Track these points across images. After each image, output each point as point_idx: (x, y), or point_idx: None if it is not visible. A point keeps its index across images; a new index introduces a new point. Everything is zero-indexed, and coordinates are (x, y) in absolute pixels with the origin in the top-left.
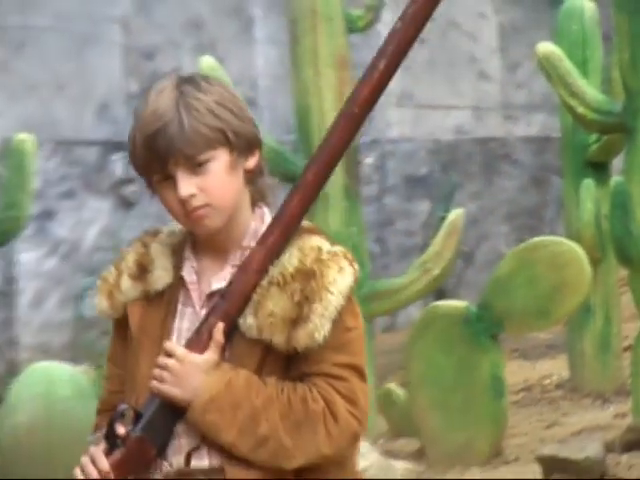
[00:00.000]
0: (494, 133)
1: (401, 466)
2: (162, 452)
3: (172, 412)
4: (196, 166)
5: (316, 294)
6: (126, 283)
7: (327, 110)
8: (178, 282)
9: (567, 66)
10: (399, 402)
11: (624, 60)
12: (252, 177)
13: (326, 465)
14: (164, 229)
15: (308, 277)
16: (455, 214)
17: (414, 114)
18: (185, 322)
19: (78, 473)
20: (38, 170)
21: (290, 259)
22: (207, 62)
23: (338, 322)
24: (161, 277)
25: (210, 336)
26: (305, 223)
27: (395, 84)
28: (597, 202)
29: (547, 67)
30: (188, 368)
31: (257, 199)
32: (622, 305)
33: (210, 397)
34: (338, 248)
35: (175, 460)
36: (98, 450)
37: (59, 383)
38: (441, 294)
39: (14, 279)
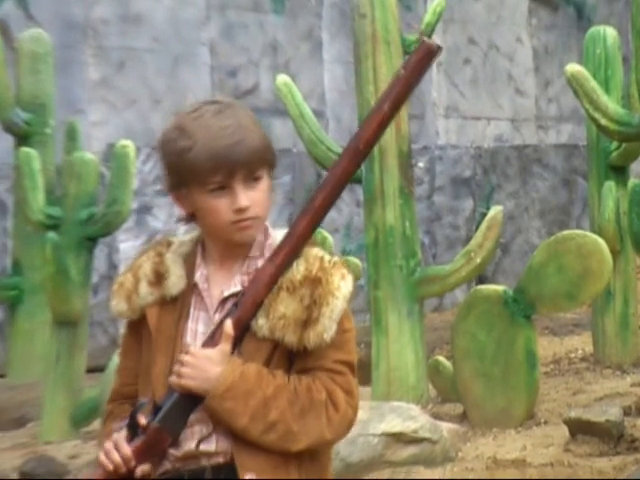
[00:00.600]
0: (528, 141)
1: (447, 427)
2: (176, 440)
3: (187, 405)
4: (252, 181)
5: (323, 299)
6: (144, 289)
7: None
8: (191, 288)
9: (592, 84)
10: (446, 372)
11: None
12: None
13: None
14: (174, 240)
15: (315, 284)
16: (494, 210)
17: (459, 124)
18: (200, 325)
19: (102, 457)
20: (137, 171)
21: (298, 267)
22: (282, 79)
23: (339, 324)
24: (176, 284)
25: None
26: None
27: (443, 98)
28: (617, 201)
29: (575, 85)
30: (203, 362)
31: None
32: (638, 289)
33: (226, 387)
34: (336, 258)
35: (186, 446)
36: (121, 437)
37: None
38: (482, 279)
39: (116, 265)
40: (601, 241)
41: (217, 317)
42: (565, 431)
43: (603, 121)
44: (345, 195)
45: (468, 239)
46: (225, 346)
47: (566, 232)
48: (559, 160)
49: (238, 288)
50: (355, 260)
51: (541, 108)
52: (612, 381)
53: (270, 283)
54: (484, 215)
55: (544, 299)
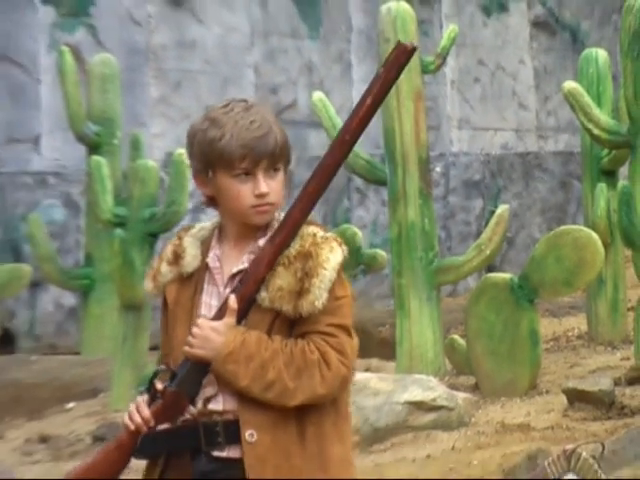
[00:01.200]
0: (530, 149)
1: (461, 396)
2: (193, 402)
3: (200, 371)
4: (272, 171)
5: (314, 270)
6: (164, 268)
7: (406, 131)
8: (204, 266)
9: (586, 99)
10: (460, 349)
11: (628, 94)
12: None
13: (322, 404)
14: (196, 225)
15: (306, 258)
16: (501, 209)
17: (470, 134)
18: (214, 299)
19: (126, 419)
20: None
21: (293, 245)
22: (317, 96)
23: (331, 292)
24: (190, 262)
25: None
26: None
27: (456, 112)
28: (608, 200)
29: (571, 100)
30: (208, 332)
31: None
32: (627, 277)
33: (228, 352)
34: (330, 234)
35: (198, 405)
36: (142, 401)
37: None
38: (491, 269)
39: None
40: (594, 235)
41: (226, 292)
42: (563, 399)
43: (596, 131)
44: (372, 196)
45: (478, 234)
46: (229, 318)
47: (563, 227)
48: (557, 165)
49: (245, 265)
50: (381, 252)
51: (541, 120)
52: (604, 356)
53: (270, 262)
54: (492, 213)
55: (545, 285)
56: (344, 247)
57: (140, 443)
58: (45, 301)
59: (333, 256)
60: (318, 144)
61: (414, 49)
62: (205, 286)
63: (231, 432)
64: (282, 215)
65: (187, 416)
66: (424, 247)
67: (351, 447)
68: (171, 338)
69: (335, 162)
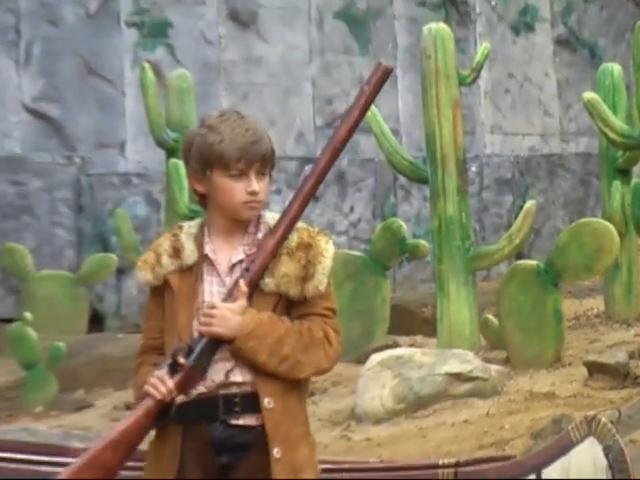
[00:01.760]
0: (554, 150)
1: (494, 368)
2: (205, 374)
3: (213, 347)
4: (261, 174)
5: (316, 259)
6: (166, 261)
7: (445, 136)
8: (202, 258)
9: (603, 107)
10: (493, 326)
11: (639, 102)
12: None
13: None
14: (185, 224)
15: (307, 248)
16: (529, 204)
17: (502, 139)
18: (214, 286)
19: (151, 390)
20: None
21: (291, 237)
22: None
23: (328, 278)
24: (190, 256)
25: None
26: None
27: (489, 119)
28: (622, 196)
29: (590, 107)
30: (227, 313)
31: None
32: (639, 262)
33: (249, 330)
34: (316, 227)
35: (216, 377)
36: (164, 374)
37: None
38: (520, 256)
39: None
40: (611, 226)
41: (228, 279)
42: (584, 371)
43: (611, 135)
44: (415, 192)
45: (509, 225)
46: (242, 301)
47: (584, 219)
48: (578, 165)
49: (242, 256)
50: (423, 242)
51: (564, 125)
52: (619, 332)
53: (273, 252)
54: (521, 207)
55: (567, 270)
56: (331, 238)
57: (176, 411)
58: (129, 286)
59: (330, 246)
60: (368, 147)
61: (392, 69)
62: (205, 275)
63: (247, 402)
64: (266, 213)
65: (202, 389)
66: (461, 237)
67: None
68: (175, 321)
69: (327, 166)
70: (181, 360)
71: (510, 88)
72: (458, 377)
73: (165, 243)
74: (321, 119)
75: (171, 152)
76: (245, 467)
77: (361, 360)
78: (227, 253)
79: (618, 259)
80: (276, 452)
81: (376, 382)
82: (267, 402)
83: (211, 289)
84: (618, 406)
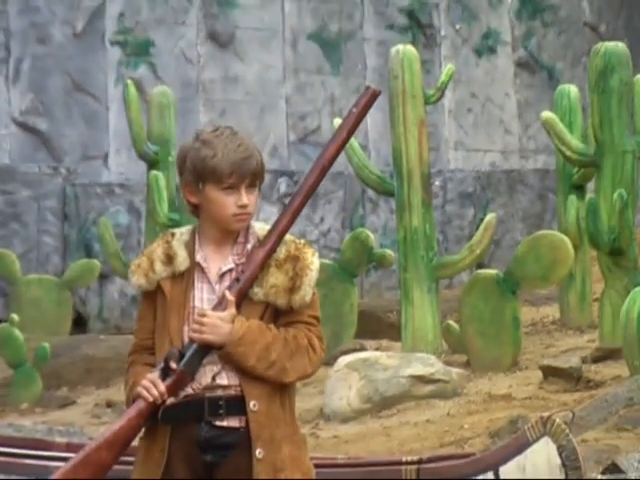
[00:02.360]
0: (514, 167)
1: (455, 371)
2: (194, 378)
3: (202, 352)
4: (251, 187)
5: (303, 271)
6: (159, 267)
7: (411, 152)
8: (194, 265)
9: (560, 126)
10: (455, 332)
11: (594, 123)
12: None
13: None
14: (176, 231)
15: (295, 260)
16: (490, 216)
17: (464, 155)
18: (205, 293)
19: (144, 393)
20: None
21: (279, 250)
22: (338, 122)
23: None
24: (182, 262)
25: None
26: None
27: (453, 136)
28: (578, 210)
29: (548, 127)
30: (217, 321)
31: None
32: (593, 273)
33: (239, 336)
34: (302, 240)
35: (203, 381)
36: (156, 377)
37: None
38: (481, 266)
39: None
40: (566, 238)
41: (218, 286)
42: (540, 374)
43: (568, 153)
44: (382, 204)
45: (471, 237)
46: (232, 309)
47: (541, 232)
48: (536, 181)
49: (232, 265)
50: (390, 252)
51: (523, 143)
52: (573, 338)
53: (262, 263)
54: (482, 220)
55: (525, 280)
56: (317, 252)
57: (163, 412)
58: (112, 290)
59: (315, 259)
60: (338, 162)
61: (379, 92)
62: (196, 282)
63: (231, 405)
64: (253, 223)
65: (189, 390)
66: (425, 248)
67: None
68: (166, 326)
69: (316, 183)
70: (173, 365)
71: (473, 107)
72: (421, 379)
73: (158, 250)
74: (294, 135)
75: (152, 164)
76: (229, 466)
77: (330, 362)
78: (217, 262)
79: (573, 270)
80: (258, 452)
81: (344, 383)
82: (252, 405)
83: (201, 296)
84: (571, 408)
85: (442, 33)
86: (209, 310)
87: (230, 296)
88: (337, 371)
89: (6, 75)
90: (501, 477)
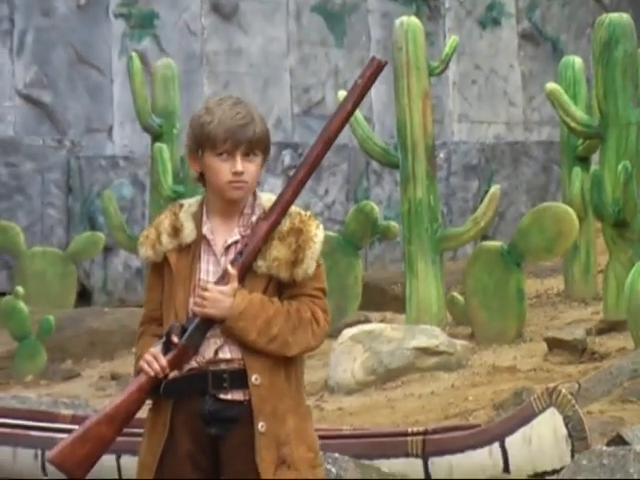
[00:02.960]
0: (518, 139)
1: (460, 343)
2: (197, 352)
3: (205, 326)
4: (250, 156)
5: (306, 244)
6: (165, 239)
7: (415, 124)
8: (200, 238)
9: (565, 98)
10: (459, 304)
11: (599, 94)
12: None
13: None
14: (185, 202)
15: (298, 233)
16: (494, 189)
17: (468, 127)
18: (210, 265)
19: (145, 366)
20: None
21: (284, 222)
22: (342, 94)
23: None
24: (188, 235)
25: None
26: None
27: (457, 108)
28: (582, 182)
29: (552, 98)
30: (219, 295)
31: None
32: (597, 245)
33: (240, 311)
34: (308, 212)
35: (206, 354)
36: (158, 351)
37: None
38: (485, 238)
39: None
40: (570, 210)
41: (223, 260)
42: (544, 346)
43: (572, 124)
44: (386, 176)
45: (475, 209)
46: (233, 283)
47: (545, 204)
48: (540, 153)
49: (237, 237)
50: (394, 224)
51: (527, 115)
52: (578, 310)
53: (265, 236)
54: (486, 192)
55: (529, 252)
56: (321, 224)
57: (164, 387)
58: (116, 263)
59: (319, 232)
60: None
61: (385, 64)
62: (202, 254)
63: (235, 379)
64: (260, 194)
65: (193, 364)
66: (430, 220)
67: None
68: (172, 298)
69: (320, 155)
70: (175, 339)
71: (477, 79)
72: (425, 351)
73: (165, 221)
74: (298, 107)
75: (156, 137)
76: (233, 439)
77: (334, 335)
78: (223, 233)
79: (577, 241)
80: (261, 426)
81: (348, 355)
82: (254, 378)
83: (207, 268)
84: (575, 380)
85: (446, 5)
86: (211, 284)
87: (232, 270)
88: (341, 343)
89: (10, 48)
90: (507, 448)
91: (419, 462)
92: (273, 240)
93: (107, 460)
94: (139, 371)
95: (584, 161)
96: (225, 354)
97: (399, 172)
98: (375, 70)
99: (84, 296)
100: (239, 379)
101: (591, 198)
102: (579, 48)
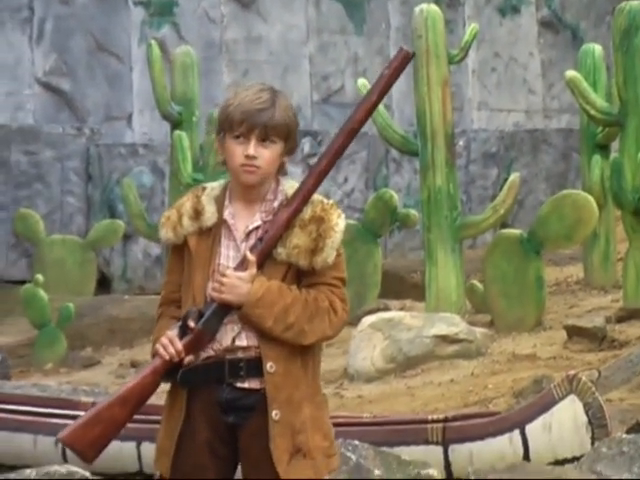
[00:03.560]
0: (538, 126)
1: (479, 331)
2: (214, 338)
3: (223, 312)
4: (264, 141)
5: (326, 233)
6: (186, 222)
7: (435, 112)
8: (221, 222)
9: (584, 85)
10: (479, 292)
11: (619, 82)
12: (283, 163)
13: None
14: (208, 185)
15: (319, 221)
16: (513, 176)
17: (488, 115)
18: (230, 251)
19: (161, 350)
20: None
21: (305, 210)
22: (361, 82)
23: (337, 250)
24: (209, 218)
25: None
26: None
27: (476, 96)
28: (602, 169)
29: (572, 86)
30: (237, 281)
31: (279, 171)
32: (617, 233)
33: (257, 298)
34: (331, 201)
35: (223, 341)
36: (174, 335)
37: None
38: (504, 226)
39: None
40: (590, 198)
41: (243, 245)
42: (564, 334)
43: (592, 112)
44: (406, 164)
45: (494, 197)
46: (252, 269)
47: (565, 192)
48: (559, 140)
49: (259, 223)
50: (414, 212)
51: (547, 103)
52: (597, 298)
53: (286, 224)
54: (506, 180)
55: (549, 239)
56: (343, 213)
57: (181, 375)
58: (135, 251)
59: (341, 221)
60: None
61: (413, 55)
62: (222, 239)
63: (251, 367)
64: (284, 182)
65: (210, 352)
66: (449, 208)
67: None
68: (191, 281)
69: (344, 145)
70: (191, 324)
71: (496, 67)
72: (445, 339)
73: (187, 204)
74: (317, 95)
75: (175, 124)
76: (250, 427)
77: (353, 322)
78: (245, 219)
79: (597, 229)
80: (275, 414)
81: (368, 343)
82: (269, 366)
83: (227, 253)
84: (595, 367)
85: None
86: (230, 270)
87: (251, 256)
88: (361, 331)
89: (30, 35)
90: (527, 435)
91: (439, 449)
92: (294, 228)
93: (127, 447)
94: (154, 354)
95: (604, 149)
96: (242, 341)
97: (418, 160)
98: (402, 61)
99: (104, 284)
100: (255, 367)
101: (611, 186)
102: (599, 35)
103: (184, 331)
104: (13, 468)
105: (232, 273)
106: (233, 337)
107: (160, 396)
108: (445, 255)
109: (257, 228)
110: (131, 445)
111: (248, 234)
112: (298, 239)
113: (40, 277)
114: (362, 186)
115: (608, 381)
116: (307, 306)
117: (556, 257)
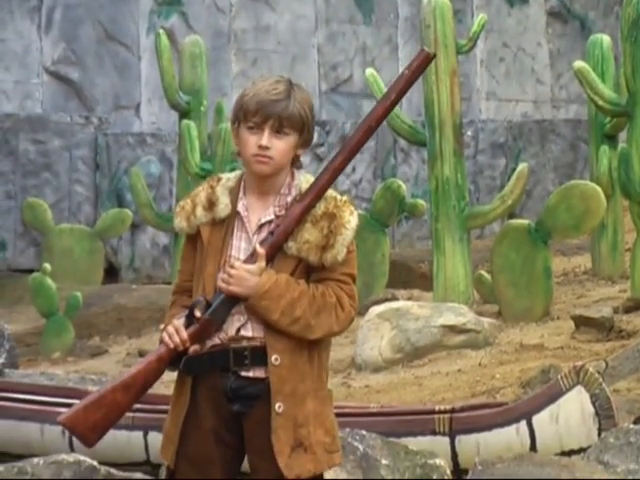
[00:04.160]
0: (546, 116)
1: (487, 321)
2: (220, 328)
3: (230, 303)
4: (280, 133)
5: (338, 229)
6: (200, 212)
7: (443, 101)
8: (234, 213)
9: (592, 76)
10: (486, 282)
11: (627, 72)
12: (297, 156)
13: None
14: (223, 176)
15: (331, 218)
16: (521, 167)
17: (496, 105)
18: (242, 243)
19: (166, 338)
20: None
21: (318, 205)
22: (370, 72)
23: (348, 247)
24: (223, 209)
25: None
26: None
27: (484, 86)
28: (610, 160)
29: (580, 76)
30: (245, 274)
31: (293, 164)
32: (624, 223)
33: (264, 290)
34: (345, 197)
35: (229, 331)
36: (180, 324)
37: None
38: (512, 216)
39: None
40: (598, 188)
41: (255, 238)
42: (571, 324)
43: (600, 102)
44: (414, 154)
45: (502, 187)
46: (261, 263)
47: (573, 182)
48: (568, 130)
49: (271, 216)
50: (421, 202)
51: (555, 93)
52: (605, 288)
53: (298, 219)
54: (514, 170)
55: (557, 230)
56: (356, 210)
57: (185, 362)
58: (143, 240)
59: (353, 218)
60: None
61: (434, 56)
62: (235, 231)
63: (256, 356)
64: (299, 176)
65: (216, 340)
66: (457, 198)
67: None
68: (202, 271)
69: (360, 143)
70: (198, 313)
71: (505, 57)
72: (452, 329)
73: (202, 194)
74: (326, 84)
75: (184, 114)
76: (255, 416)
77: (361, 312)
78: (258, 212)
79: (605, 219)
80: (278, 407)
81: (375, 333)
82: (274, 359)
83: (239, 245)
84: (603, 358)
85: None
86: (239, 262)
87: (260, 249)
88: (369, 321)
89: (38, 24)
90: (534, 426)
91: (446, 440)
92: (306, 223)
93: (135, 437)
94: (161, 342)
95: (612, 139)
96: (247, 332)
97: (426, 150)
98: (422, 62)
99: (111, 273)
100: (260, 357)
101: (619, 176)
102: (607, 26)
103: (190, 320)
104: (20, 457)
105: (240, 265)
106: (238, 327)
107: (168, 386)
108: (453, 245)
109: (270, 222)
110: (138, 434)
111: (260, 227)
112: (309, 234)
113: (48, 266)
114: (370, 176)
115: (615, 371)
116: (314, 301)
117: (564, 247)
